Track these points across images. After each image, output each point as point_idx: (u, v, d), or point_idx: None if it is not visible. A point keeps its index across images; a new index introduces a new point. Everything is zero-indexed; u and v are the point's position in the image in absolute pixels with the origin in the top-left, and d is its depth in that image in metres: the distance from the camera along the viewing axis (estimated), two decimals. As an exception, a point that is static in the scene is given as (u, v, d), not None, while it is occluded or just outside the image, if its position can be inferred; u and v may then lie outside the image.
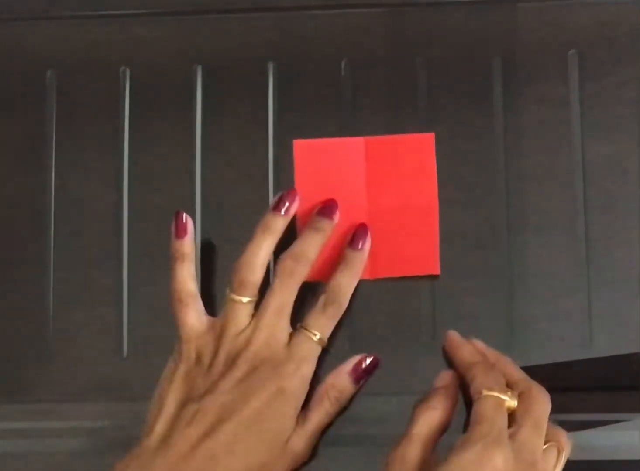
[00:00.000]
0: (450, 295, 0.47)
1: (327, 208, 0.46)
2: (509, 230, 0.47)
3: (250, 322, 0.44)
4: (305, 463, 0.43)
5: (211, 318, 0.45)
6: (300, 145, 0.48)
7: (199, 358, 0.44)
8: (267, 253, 0.45)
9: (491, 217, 0.47)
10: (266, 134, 0.48)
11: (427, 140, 0.48)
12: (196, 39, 0.50)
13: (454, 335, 0.45)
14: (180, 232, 0.45)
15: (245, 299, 0.44)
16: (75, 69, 0.50)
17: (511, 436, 0.39)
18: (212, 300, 0.47)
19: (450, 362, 0.45)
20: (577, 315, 0.46)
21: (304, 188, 0.47)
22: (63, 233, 0.48)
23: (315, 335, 0.44)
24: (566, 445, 0.41)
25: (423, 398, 0.42)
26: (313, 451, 0.44)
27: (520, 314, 0.46)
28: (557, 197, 0.47)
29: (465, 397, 0.43)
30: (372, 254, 0.47)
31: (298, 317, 0.45)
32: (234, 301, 0.44)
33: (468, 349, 0.44)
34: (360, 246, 0.46)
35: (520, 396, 0.41)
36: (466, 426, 0.40)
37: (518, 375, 0.43)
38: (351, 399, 0.45)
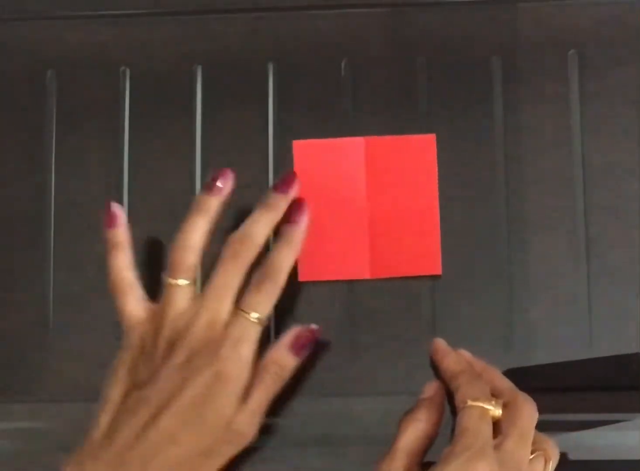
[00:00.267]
0: (450, 295, 0.47)
1: (282, 182, 0.45)
2: (509, 230, 0.47)
3: (192, 303, 0.43)
4: (252, 441, 0.43)
5: (153, 304, 0.44)
6: (299, 146, 0.48)
7: (142, 346, 0.43)
8: (202, 234, 0.44)
9: (491, 217, 0.47)
10: (266, 134, 0.48)
11: (428, 141, 0.48)
12: (196, 39, 0.50)
13: (440, 344, 0.45)
14: (112, 221, 0.45)
15: (181, 282, 0.43)
16: (75, 69, 0.50)
17: (497, 447, 0.39)
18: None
19: (436, 371, 0.45)
20: (577, 315, 0.46)
21: (303, 189, 0.47)
22: (63, 234, 0.48)
23: (250, 314, 0.43)
24: (553, 454, 0.40)
25: (408, 411, 0.42)
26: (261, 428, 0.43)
27: (520, 314, 0.46)
28: (557, 197, 0.47)
29: (451, 407, 0.43)
30: (373, 254, 0.47)
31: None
32: (170, 285, 0.43)
33: (453, 358, 0.44)
34: (297, 220, 0.45)
35: (506, 406, 0.40)
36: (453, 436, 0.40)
37: (504, 384, 0.42)
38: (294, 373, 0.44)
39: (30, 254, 0.48)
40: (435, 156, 0.47)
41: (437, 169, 0.47)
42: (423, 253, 0.47)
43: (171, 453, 0.40)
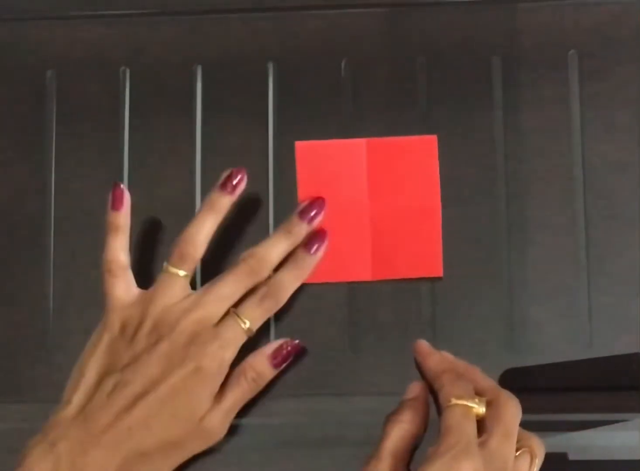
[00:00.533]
0: (451, 296, 0.47)
1: (308, 211, 0.46)
2: (509, 230, 0.47)
3: (187, 296, 0.44)
4: (219, 440, 0.43)
5: (141, 290, 0.45)
6: (302, 147, 0.48)
7: (123, 329, 0.43)
8: (210, 230, 0.44)
9: (491, 217, 0.47)
10: (266, 134, 0.48)
11: (430, 142, 0.48)
12: (196, 39, 0.50)
13: (422, 344, 0.45)
14: (117, 203, 0.45)
15: (182, 272, 0.44)
16: (75, 69, 0.50)
17: (481, 445, 0.39)
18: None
19: (421, 373, 0.45)
20: (577, 315, 0.46)
21: (306, 191, 0.47)
22: (63, 234, 0.48)
23: (245, 323, 0.43)
24: (539, 450, 0.41)
25: (392, 412, 0.43)
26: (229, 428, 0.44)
27: (520, 314, 0.46)
28: (557, 198, 0.47)
29: (436, 406, 0.43)
30: (375, 256, 0.47)
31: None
32: (169, 273, 0.44)
33: (436, 358, 0.44)
34: (314, 250, 0.45)
35: (489, 404, 0.41)
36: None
37: (487, 383, 0.43)
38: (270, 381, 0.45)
39: (30, 254, 0.48)
40: (437, 157, 0.47)
41: (438, 170, 0.47)
42: (424, 256, 0.47)
43: (143, 440, 0.41)
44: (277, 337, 0.47)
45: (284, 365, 0.45)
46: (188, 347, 0.42)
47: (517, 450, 0.40)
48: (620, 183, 0.47)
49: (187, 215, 0.48)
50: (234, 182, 0.45)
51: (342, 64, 0.49)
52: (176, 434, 0.42)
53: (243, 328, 0.43)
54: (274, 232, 0.46)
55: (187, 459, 0.43)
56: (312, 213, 0.46)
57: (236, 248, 0.47)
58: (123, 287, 0.44)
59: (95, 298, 0.47)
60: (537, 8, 0.49)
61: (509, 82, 0.48)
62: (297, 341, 0.45)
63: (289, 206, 0.47)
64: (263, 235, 0.47)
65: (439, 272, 0.47)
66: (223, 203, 0.45)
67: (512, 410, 0.40)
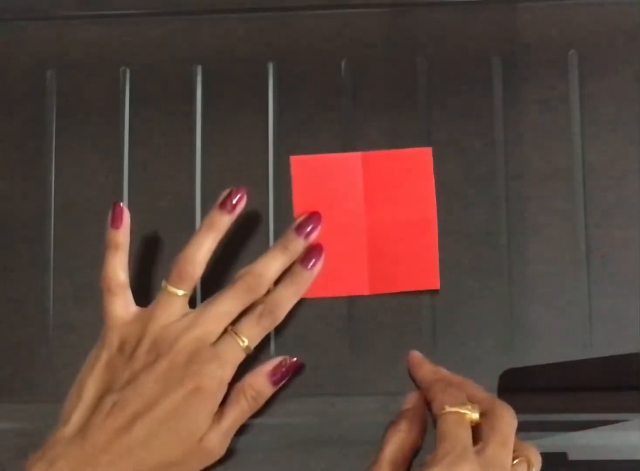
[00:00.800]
0: (451, 296, 0.47)
1: (305, 227, 0.46)
2: (509, 230, 0.47)
3: (186, 315, 0.44)
4: (219, 459, 0.43)
5: (140, 308, 0.45)
6: (297, 162, 0.48)
7: (121, 347, 0.43)
8: (209, 249, 0.44)
9: (491, 217, 0.47)
10: (266, 134, 0.48)
11: (424, 155, 0.47)
12: (196, 39, 0.50)
13: (415, 355, 0.46)
14: (116, 221, 0.45)
15: (180, 292, 0.44)
16: (75, 69, 0.50)
17: (478, 453, 0.39)
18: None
19: (415, 383, 0.45)
20: (577, 315, 0.46)
21: (302, 205, 0.47)
22: (63, 233, 0.48)
23: (243, 341, 0.43)
24: (535, 460, 0.41)
25: (392, 422, 0.43)
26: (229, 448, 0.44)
27: (520, 314, 0.46)
28: (557, 197, 0.47)
29: (431, 416, 0.43)
30: (372, 270, 0.47)
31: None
32: (168, 292, 0.44)
33: (428, 369, 0.45)
34: (311, 265, 0.45)
35: (485, 414, 0.41)
36: None
37: (481, 394, 0.43)
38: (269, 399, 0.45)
39: (30, 254, 0.48)
40: (432, 169, 0.47)
41: (433, 182, 0.47)
42: (421, 269, 0.47)
43: (142, 460, 0.41)
44: (277, 339, 0.47)
45: (283, 382, 0.45)
46: (187, 366, 0.42)
47: (513, 459, 0.40)
48: (620, 183, 0.47)
49: (187, 215, 0.48)
50: (234, 201, 0.45)
51: (342, 64, 0.49)
52: (175, 453, 0.42)
53: (241, 347, 0.43)
54: (270, 248, 0.46)
55: None
56: (309, 229, 0.46)
57: (236, 259, 0.47)
58: (122, 304, 0.44)
59: (95, 299, 0.47)
60: (537, 8, 0.49)
61: (509, 81, 0.48)
62: (295, 358, 0.45)
63: (289, 214, 0.47)
64: (263, 241, 0.47)
65: (436, 284, 0.47)
66: (222, 222, 0.45)
67: (507, 419, 0.40)
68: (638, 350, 0.46)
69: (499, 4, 0.49)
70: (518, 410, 0.43)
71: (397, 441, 0.42)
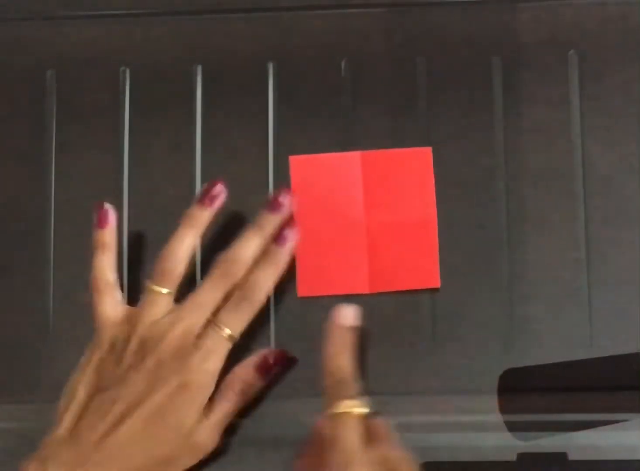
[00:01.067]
0: (451, 296, 0.47)
1: (273, 201, 0.46)
2: (509, 230, 0.47)
3: (171, 311, 0.44)
4: (212, 453, 0.43)
5: (129, 307, 0.45)
6: (296, 161, 0.48)
7: (112, 347, 0.44)
8: (190, 246, 0.45)
9: (491, 217, 0.47)
10: (266, 134, 0.48)
11: (424, 154, 0.48)
12: (196, 39, 0.50)
13: (343, 318, 0.45)
14: (102, 222, 0.46)
15: (164, 290, 0.44)
16: (75, 69, 0.50)
17: (368, 452, 0.39)
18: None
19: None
20: (577, 315, 0.46)
21: (301, 205, 0.47)
22: (63, 233, 0.48)
23: (223, 330, 0.43)
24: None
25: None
26: (220, 441, 0.44)
27: (520, 314, 0.46)
28: (557, 197, 0.47)
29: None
30: (372, 269, 0.47)
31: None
32: (152, 291, 0.44)
33: (336, 349, 0.44)
34: (284, 242, 0.45)
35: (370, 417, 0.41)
36: None
37: None
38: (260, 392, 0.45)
39: (31, 254, 0.48)
40: (432, 169, 0.47)
41: (434, 182, 0.47)
42: (421, 267, 0.47)
43: (133, 457, 0.41)
44: (277, 339, 0.47)
45: (272, 374, 0.45)
46: (172, 362, 0.42)
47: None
48: (620, 183, 0.47)
49: (187, 215, 0.48)
50: (213, 194, 0.45)
51: (342, 64, 0.49)
52: (166, 450, 0.42)
53: (224, 336, 0.43)
54: (245, 230, 0.46)
55: None
56: (281, 204, 0.45)
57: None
58: (111, 304, 0.45)
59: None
60: (537, 8, 0.49)
61: (509, 82, 0.48)
62: (281, 350, 0.45)
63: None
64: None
65: (436, 283, 0.47)
66: (202, 218, 0.45)
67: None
68: (638, 350, 0.46)
69: (499, 4, 0.49)
70: (518, 410, 0.44)
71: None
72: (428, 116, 0.48)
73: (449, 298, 0.47)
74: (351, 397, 0.41)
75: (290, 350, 0.46)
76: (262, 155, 0.48)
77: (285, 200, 0.46)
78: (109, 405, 0.42)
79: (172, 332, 0.43)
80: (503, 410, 0.45)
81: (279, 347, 0.47)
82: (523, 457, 0.45)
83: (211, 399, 0.43)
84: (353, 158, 0.48)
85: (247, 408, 0.45)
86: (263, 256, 0.45)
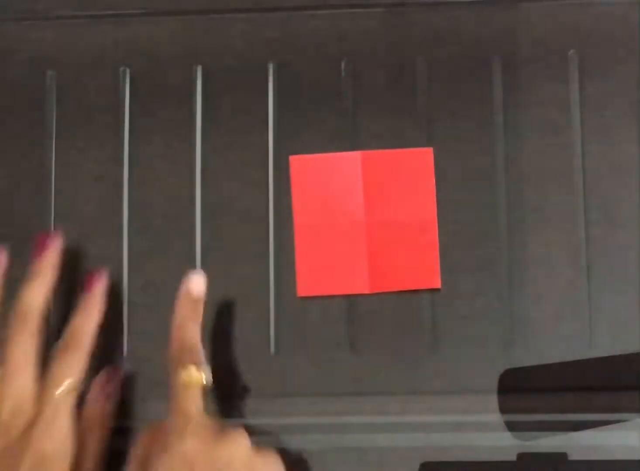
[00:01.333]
0: (451, 295, 0.47)
1: (35, 247, 0.45)
2: (509, 230, 0.47)
3: None
4: None
5: None
6: (296, 161, 0.48)
7: None
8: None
9: (491, 217, 0.47)
10: (266, 134, 0.48)
11: (425, 155, 0.48)
12: (196, 39, 0.50)
13: (193, 287, 0.44)
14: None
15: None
16: (75, 69, 0.50)
17: (207, 419, 0.40)
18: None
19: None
20: (577, 315, 0.46)
21: (301, 205, 0.47)
22: (63, 233, 0.48)
23: (58, 388, 0.41)
24: None
25: None
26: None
27: (520, 314, 0.46)
28: (557, 197, 0.47)
29: None
30: (372, 268, 0.47)
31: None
32: None
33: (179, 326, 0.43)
34: (89, 287, 0.45)
35: None
36: None
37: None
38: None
39: (30, 254, 0.48)
40: (433, 169, 0.47)
41: (434, 183, 0.47)
42: (422, 268, 0.47)
43: None
44: (277, 338, 0.47)
45: (115, 393, 0.44)
46: (19, 440, 0.40)
47: None
48: (620, 183, 0.47)
49: (186, 214, 0.48)
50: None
51: (342, 64, 0.49)
52: None
53: (61, 394, 0.41)
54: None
55: None
56: (39, 247, 0.45)
57: (236, 259, 0.47)
58: None
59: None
60: (537, 8, 0.49)
61: (509, 82, 0.48)
62: (107, 370, 0.45)
63: (289, 214, 0.47)
64: (263, 241, 0.47)
65: (437, 283, 0.47)
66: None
67: None
68: (638, 350, 0.46)
69: (499, 4, 0.49)
70: (518, 410, 0.44)
71: None
72: (428, 116, 0.48)
73: (449, 298, 0.47)
74: (195, 365, 0.41)
75: (290, 350, 0.46)
76: (262, 155, 0.48)
77: (45, 242, 0.45)
78: None
79: (1, 411, 0.40)
80: (503, 410, 0.45)
81: (279, 346, 0.47)
82: (523, 457, 0.45)
83: (76, 453, 0.41)
84: (353, 158, 0.48)
85: (247, 408, 0.45)
86: (78, 304, 0.44)
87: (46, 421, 0.40)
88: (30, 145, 0.49)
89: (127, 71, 0.49)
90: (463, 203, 0.47)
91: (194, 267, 0.47)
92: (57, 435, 0.41)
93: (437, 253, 0.47)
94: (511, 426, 0.45)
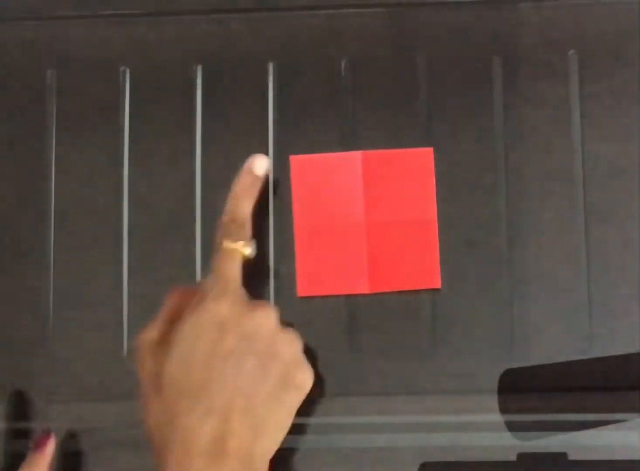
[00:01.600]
0: (451, 296, 0.47)
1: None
2: (509, 230, 0.47)
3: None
4: None
5: None
6: (297, 161, 0.48)
7: None
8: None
9: (491, 217, 0.47)
10: (266, 134, 0.48)
11: (426, 155, 0.48)
12: (196, 39, 0.50)
13: (256, 168, 0.46)
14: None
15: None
16: (75, 69, 0.50)
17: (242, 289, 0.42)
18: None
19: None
20: (577, 315, 0.46)
21: (301, 205, 0.47)
22: (63, 233, 0.48)
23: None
24: None
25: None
26: None
27: (520, 315, 0.46)
28: (557, 197, 0.47)
29: None
30: (372, 268, 0.47)
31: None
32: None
33: (236, 198, 0.45)
34: (40, 449, 0.44)
35: None
36: None
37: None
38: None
39: (31, 254, 0.48)
40: (433, 169, 0.47)
41: (434, 183, 0.47)
42: (422, 268, 0.47)
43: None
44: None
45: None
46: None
47: None
48: (620, 183, 0.47)
49: (187, 215, 0.48)
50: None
51: (342, 64, 0.49)
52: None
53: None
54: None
55: None
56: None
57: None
58: None
59: (95, 298, 0.47)
60: (537, 8, 0.49)
61: (509, 82, 0.48)
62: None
63: (289, 214, 0.47)
64: (264, 241, 0.47)
65: (437, 283, 0.47)
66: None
67: None
68: (638, 350, 0.46)
69: (499, 4, 0.49)
70: (518, 410, 0.44)
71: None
72: (428, 116, 0.48)
73: (449, 298, 0.47)
74: (242, 238, 0.43)
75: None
76: (262, 154, 0.48)
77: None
78: None
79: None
80: (503, 410, 0.45)
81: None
82: (523, 457, 0.45)
83: None
84: (354, 158, 0.48)
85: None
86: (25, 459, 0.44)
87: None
88: (30, 145, 0.49)
89: (127, 71, 0.49)
90: (463, 203, 0.47)
91: (194, 265, 0.47)
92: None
93: (437, 253, 0.47)
94: (511, 426, 0.45)
